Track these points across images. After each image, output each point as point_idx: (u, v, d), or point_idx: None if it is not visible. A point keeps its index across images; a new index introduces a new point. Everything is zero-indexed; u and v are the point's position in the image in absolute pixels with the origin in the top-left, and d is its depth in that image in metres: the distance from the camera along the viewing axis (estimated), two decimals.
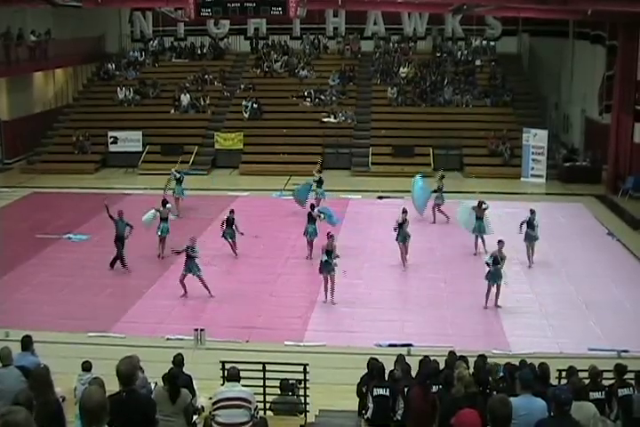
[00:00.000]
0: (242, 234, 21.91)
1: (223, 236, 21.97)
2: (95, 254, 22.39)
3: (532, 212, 21.37)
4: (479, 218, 22.35)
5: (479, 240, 22.33)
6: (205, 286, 19.00)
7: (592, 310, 18.41)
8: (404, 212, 21.51)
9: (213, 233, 23.09)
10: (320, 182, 26.28)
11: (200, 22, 38.23)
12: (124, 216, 21.30)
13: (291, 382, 12.11)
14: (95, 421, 5.43)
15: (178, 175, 26.25)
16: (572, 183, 30.93)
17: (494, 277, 18.22)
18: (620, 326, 17.36)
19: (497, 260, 18.21)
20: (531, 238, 21.11)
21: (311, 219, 22.30)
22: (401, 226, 21.02)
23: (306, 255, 22.01)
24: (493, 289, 18.33)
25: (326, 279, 18.75)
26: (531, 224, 21.10)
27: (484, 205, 22.43)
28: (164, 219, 22.32)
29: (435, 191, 25.31)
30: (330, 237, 19.16)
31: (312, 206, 23.50)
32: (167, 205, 22.64)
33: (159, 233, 22.13)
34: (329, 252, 18.70)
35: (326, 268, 18.66)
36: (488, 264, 18.28)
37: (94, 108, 37.61)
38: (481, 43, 40.08)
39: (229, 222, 21.92)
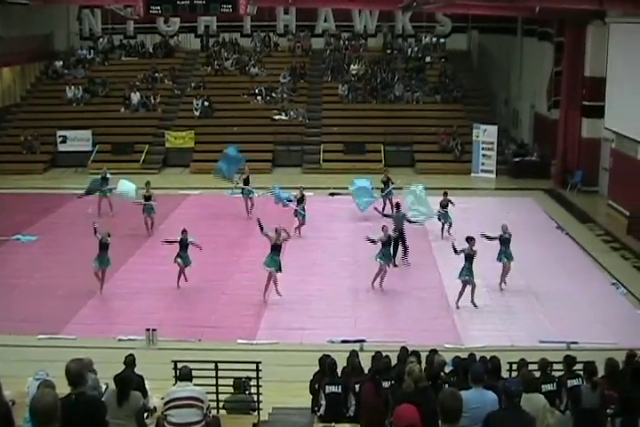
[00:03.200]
0: (200, 248, 19.81)
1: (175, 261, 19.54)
2: (45, 255, 22.17)
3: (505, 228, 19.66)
4: (444, 206, 23.38)
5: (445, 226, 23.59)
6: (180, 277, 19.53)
7: (542, 303, 18.67)
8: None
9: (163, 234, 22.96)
10: (247, 181, 26.04)
11: (150, 20, 37.95)
12: None
13: (242, 379, 12.08)
14: (45, 423, 5.37)
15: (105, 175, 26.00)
16: (521, 178, 31.31)
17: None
18: (570, 319, 17.65)
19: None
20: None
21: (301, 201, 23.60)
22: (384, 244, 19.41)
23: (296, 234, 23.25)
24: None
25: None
26: (505, 241, 19.50)
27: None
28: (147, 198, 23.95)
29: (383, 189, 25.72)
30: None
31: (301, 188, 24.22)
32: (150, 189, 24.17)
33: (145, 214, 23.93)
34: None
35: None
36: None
37: (43, 107, 37.16)
38: (431, 40, 40.31)
39: (183, 245, 19.59)
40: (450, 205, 23.49)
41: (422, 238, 23.53)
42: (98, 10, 40.80)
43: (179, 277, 19.52)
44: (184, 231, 19.73)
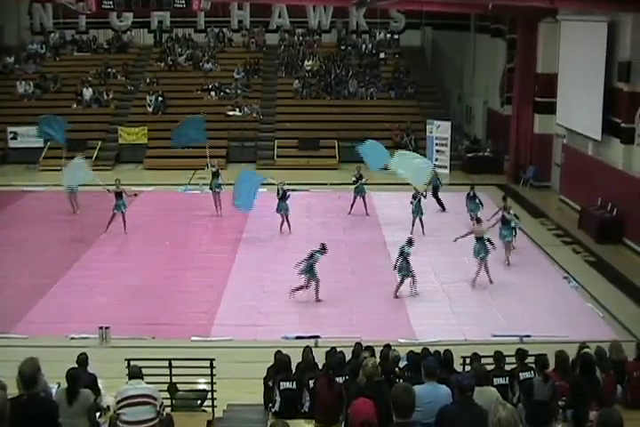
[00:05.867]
0: None
1: None
2: None
3: (505, 208, 21.19)
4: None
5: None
6: None
7: (495, 297, 18.82)
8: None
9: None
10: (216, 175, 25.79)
11: (102, 15, 37.54)
12: None
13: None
14: None
15: None
16: (474, 173, 31.53)
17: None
18: (522, 312, 17.82)
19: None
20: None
21: (283, 197, 23.49)
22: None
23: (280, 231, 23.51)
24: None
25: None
26: (505, 221, 20.89)
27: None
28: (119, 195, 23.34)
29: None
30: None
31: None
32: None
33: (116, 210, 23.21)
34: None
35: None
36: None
37: None
38: (385, 36, 40.47)
39: None
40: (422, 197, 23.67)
41: (377, 232, 23.60)
42: (49, 4, 40.15)
43: None
44: None
